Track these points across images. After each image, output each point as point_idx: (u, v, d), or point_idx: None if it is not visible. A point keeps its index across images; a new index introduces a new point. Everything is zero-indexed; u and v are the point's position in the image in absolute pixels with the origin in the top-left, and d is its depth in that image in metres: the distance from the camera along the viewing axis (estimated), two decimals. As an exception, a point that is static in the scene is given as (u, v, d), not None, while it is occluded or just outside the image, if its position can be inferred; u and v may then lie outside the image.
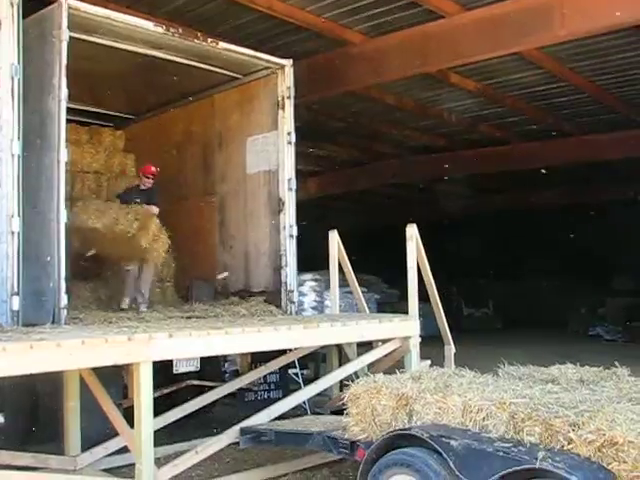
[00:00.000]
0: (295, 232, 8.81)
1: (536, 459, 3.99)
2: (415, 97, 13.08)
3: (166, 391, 7.67)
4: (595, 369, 5.98)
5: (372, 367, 7.72)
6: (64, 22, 6.71)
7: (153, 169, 9.20)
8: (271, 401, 7.54)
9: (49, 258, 6.61)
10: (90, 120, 11.16)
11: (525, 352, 12.93)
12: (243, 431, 6.24)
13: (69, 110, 7.08)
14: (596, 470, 3.91)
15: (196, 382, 8.15)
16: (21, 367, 4.84)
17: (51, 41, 6.78)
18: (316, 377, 8.68)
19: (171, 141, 10.71)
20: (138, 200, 8.81)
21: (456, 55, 9.71)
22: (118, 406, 6.21)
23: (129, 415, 5.63)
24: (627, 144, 14.50)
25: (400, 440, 4.81)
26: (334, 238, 8.68)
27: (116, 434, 6.10)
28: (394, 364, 7.65)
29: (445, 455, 4.39)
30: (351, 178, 19.08)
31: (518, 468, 4.06)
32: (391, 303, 18.18)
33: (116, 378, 6.68)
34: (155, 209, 8.79)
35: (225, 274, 9.59)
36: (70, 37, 6.78)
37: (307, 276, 14.65)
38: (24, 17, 6.64)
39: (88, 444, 6.58)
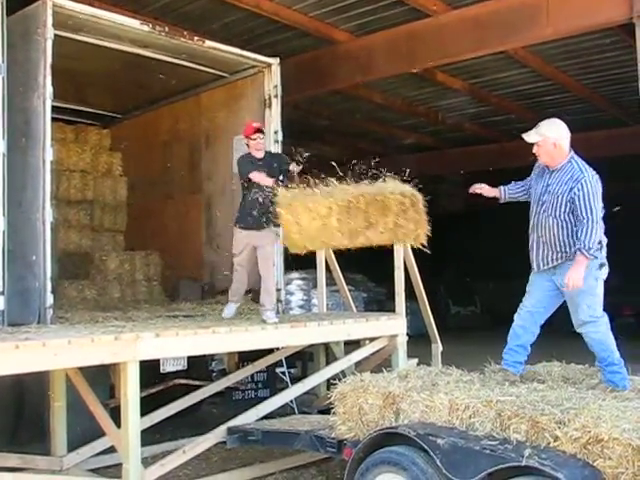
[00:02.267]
0: (281, 231, 8.78)
1: (522, 457, 3.99)
2: (402, 96, 13.11)
3: (153, 390, 7.63)
4: (581, 367, 6.01)
5: (359, 366, 7.73)
6: (49, 20, 6.65)
7: (255, 124, 7.28)
8: (258, 400, 7.52)
9: (34, 257, 6.57)
10: (76, 119, 11.11)
11: (512, 350, 12.97)
12: (230, 430, 6.22)
13: (54, 108, 7.03)
14: (582, 467, 3.92)
15: (183, 381, 8.12)
16: (6, 367, 4.81)
17: (36, 39, 6.71)
18: (303, 376, 8.66)
19: (158, 140, 10.68)
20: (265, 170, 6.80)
21: (442, 54, 9.74)
22: (105, 406, 6.18)
23: (116, 415, 5.61)
24: (614, 142, 14.60)
25: (387, 439, 4.81)
26: (321, 237, 8.66)
27: (103, 434, 6.08)
28: (381, 363, 7.65)
29: (432, 453, 4.39)
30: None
31: (504, 466, 4.07)
32: (378, 301, 18.20)
33: (103, 378, 6.65)
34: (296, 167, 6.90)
35: None
36: (55, 35, 6.71)
37: (294, 275, 14.65)
38: (8, 15, 6.58)
39: (75, 444, 6.55)
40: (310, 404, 8.25)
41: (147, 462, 5.93)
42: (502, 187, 5.93)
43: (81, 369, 5.78)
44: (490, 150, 16.69)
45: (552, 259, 5.41)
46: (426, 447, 4.44)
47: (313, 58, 10.61)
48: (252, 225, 7.00)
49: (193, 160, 10.10)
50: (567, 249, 5.32)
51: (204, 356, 8.12)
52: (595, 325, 5.34)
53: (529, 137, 5.59)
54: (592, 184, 5.24)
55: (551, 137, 5.47)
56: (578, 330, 5.39)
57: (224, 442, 6.28)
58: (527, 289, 5.65)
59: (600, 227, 5.22)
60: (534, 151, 5.57)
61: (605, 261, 5.35)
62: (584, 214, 5.18)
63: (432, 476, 4.41)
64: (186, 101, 10.18)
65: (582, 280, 5.14)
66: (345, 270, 9.08)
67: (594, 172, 5.35)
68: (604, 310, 5.41)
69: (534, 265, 5.53)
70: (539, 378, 5.60)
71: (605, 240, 5.37)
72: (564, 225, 5.31)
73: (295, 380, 8.53)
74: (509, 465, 4.05)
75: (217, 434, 6.25)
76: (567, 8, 8.47)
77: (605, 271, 5.38)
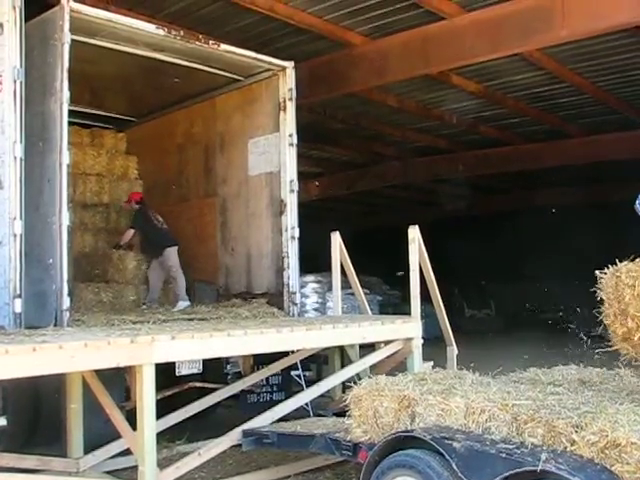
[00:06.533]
0: (297, 234, 8.80)
1: (539, 461, 3.97)
2: (417, 99, 13.10)
3: (168, 393, 7.66)
4: (598, 370, 5.97)
5: (374, 369, 7.71)
6: (66, 25, 6.72)
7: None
8: (273, 403, 7.52)
9: (51, 260, 6.61)
10: (92, 122, 11.18)
11: (527, 353, 12.93)
12: (245, 433, 6.22)
13: (71, 113, 7.08)
14: (599, 472, 3.89)
15: (199, 384, 8.14)
16: (24, 369, 4.84)
17: (53, 44, 6.78)
18: (318, 379, 8.66)
19: (173, 143, 10.72)
20: None
21: (457, 56, 9.72)
22: (120, 408, 6.20)
23: (131, 417, 5.63)
24: (630, 144, 14.50)
25: (402, 442, 4.80)
26: (336, 240, 8.67)
27: (119, 436, 6.10)
28: (396, 366, 7.64)
29: (448, 457, 4.37)
30: (353, 180, 19.10)
31: (521, 470, 4.04)
32: (393, 304, 18.18)
33: (118, 380, 6.67)
34: None
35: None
36: (72, 40, 6.78)
37: (309, 278, 14.69)
38: (26, 20, 6.65)
39: (91, 446, 6.58)
40: (325, 407, 8.23)
41: (163, 464, 5.93)
42: None
43: (97, 372, 5.81)
44: (506, 153, 16.64)
45: None
46: (442, 450, 4.42)
47: (328, 61, 10.62)
48: None
49: (208, 163, 10.14)
50: None
51: (219, 359, 8.13)
52: None
53: None
54: None
55: None
56: None
57: (239, 445, 6.28)
58: None
59: None
60: None
61: None
62: None
63: (448, 480, 4.40)
64: (201, 105, 10.22)
65: None
66: (360, 273, 9.07)
67: None
68: None
69: None
70: (556, 382, 5.57)
71: None
72: None
73: (310, 383, 8.52)
74: (525, 469, 4.03)
75: (232, 437, 6.26)
76: (582, 10, 8.42)
77: None
